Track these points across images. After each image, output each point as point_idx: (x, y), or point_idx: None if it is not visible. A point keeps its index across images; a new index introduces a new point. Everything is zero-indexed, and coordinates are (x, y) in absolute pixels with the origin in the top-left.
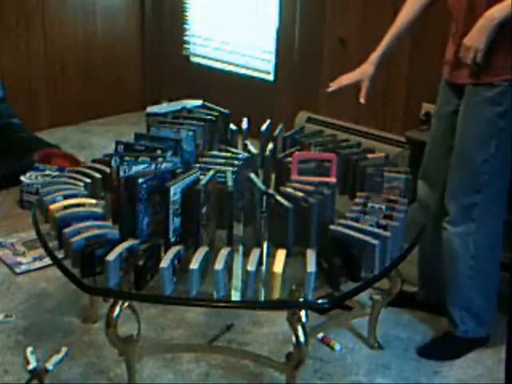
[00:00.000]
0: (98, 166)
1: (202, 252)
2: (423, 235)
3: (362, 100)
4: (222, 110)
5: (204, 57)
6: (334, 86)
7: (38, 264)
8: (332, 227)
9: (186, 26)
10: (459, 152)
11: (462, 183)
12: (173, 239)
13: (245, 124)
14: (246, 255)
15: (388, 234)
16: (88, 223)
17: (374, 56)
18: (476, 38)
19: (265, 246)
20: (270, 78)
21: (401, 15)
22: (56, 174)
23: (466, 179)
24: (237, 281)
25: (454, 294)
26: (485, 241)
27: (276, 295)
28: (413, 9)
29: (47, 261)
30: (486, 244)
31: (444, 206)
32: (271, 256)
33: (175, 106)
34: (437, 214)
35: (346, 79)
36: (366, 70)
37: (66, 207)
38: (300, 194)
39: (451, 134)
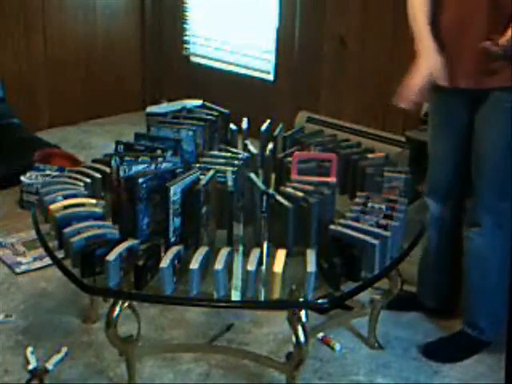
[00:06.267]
0: (98, 166)
1: (201, 252)
2: (434, 249)
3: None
4: (222, 109)
5: (204, 57)
6: (406, 101)
7: (38, 264)
8: (332, 227)
9: (186, 25)
10: (488, 162)
11: (493, 193)
12: (173, 239)
13: (245, 124)
14: (246, 255)
15: (388, 233)
16: (88, 223)
17: (431, 44)
18: None
19: (265, 246)
20: (270, 77)
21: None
22: (56, 174)
23: (498, 188)
24: (237, 281)
25: (482, 302)
26: (509, 244)
27: (276, 295)
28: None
29: (47, 261)
30: (509, 246)
31: (458, 218)
32: (271, 256)
33: (175, 105)
34: (452, 229)
35: (415, 84)
36: (436, 60)
37: (66, 207)
38: (300, 193)
39: (463, 147)
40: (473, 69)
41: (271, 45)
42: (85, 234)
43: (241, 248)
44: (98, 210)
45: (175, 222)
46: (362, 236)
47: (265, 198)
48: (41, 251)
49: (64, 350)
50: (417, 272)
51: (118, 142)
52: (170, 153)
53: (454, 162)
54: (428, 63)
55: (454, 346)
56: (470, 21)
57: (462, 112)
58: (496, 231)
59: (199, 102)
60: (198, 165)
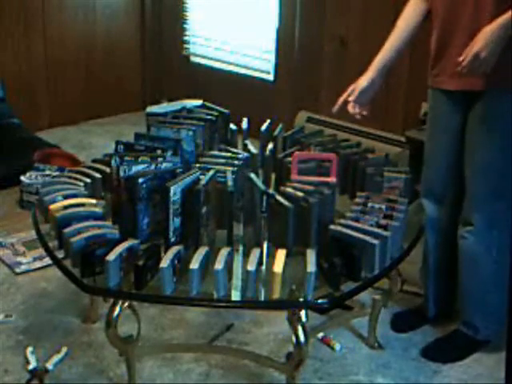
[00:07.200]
0: (98, 166)
1: (201, 252)
2: (432, 250)
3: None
4: (222, 109)
5: (204, 57)
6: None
7: (38, 264)
8: (332, 227)
9: (186, 25)
10: (483, 162)
11: (487, 192)
12: (173, 239)
13: (245, 124)
14: (246, 255)
15: (388, 233)
16: (88, 223)
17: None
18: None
19: (265, 246)
20: (270, 78)
21: (395, 34)
22: (56, 174)
23: (491, 188)
24: (237, 281)
25: (476, 302)
26: (506, 244)
27: (276, 295)
28: (407, 26)
29: (47, 261)
30: (507, 247)
31: (455, 219)
32: (271, 256)
33: (175, 106)
34: (448, 229)
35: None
36: (365, 79)
37: (66, 207)
38: (300, 193)
39: (458, 146)
40: (457, 71)
41: (271, 45)
42: (85, 234)
43: (241, 248)
44: (98, 209)
45: (175, 222)
46: (361, 236)
47: (265, 198)
48: (41, 251)
49: (64, 350)
50: (419, 279)
51: (117, 142)
52: (169, 153)
53: (448, 162)
54: (363, 78)
55: (450, 346)
56: (456, 25)
57: (457, 112)
58: (488, 230)
59: (199, 102)
60: (197, 165)
